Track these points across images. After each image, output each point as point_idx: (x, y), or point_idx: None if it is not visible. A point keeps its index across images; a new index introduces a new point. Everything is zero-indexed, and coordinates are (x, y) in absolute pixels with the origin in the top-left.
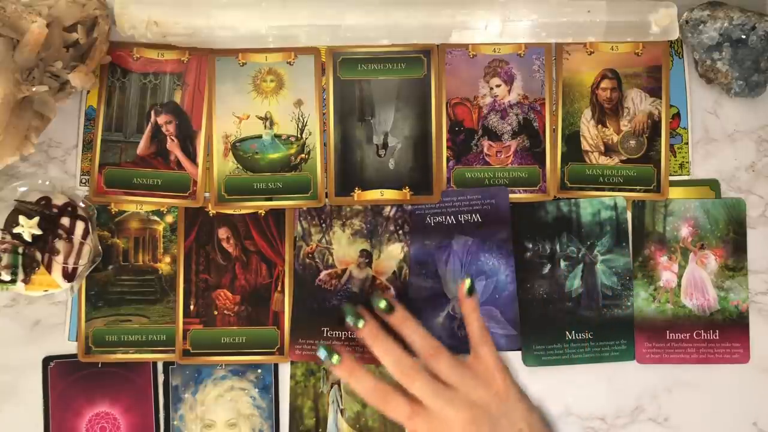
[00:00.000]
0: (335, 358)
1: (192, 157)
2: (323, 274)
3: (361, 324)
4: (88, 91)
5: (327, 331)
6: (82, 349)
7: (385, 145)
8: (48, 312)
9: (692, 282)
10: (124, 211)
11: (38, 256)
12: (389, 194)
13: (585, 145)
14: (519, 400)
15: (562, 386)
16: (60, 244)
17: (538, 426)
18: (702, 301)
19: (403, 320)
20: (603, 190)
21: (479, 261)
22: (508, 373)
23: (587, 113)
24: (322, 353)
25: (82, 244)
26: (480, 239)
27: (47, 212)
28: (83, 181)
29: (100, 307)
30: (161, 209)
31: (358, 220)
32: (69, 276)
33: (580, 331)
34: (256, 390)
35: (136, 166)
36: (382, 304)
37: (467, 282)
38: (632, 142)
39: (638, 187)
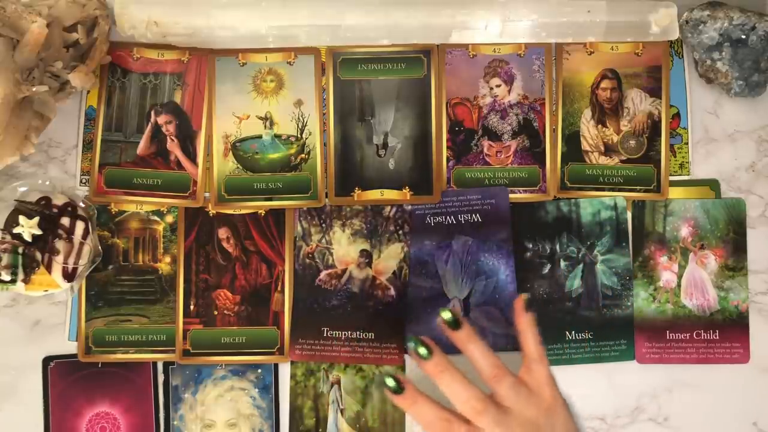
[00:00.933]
0: (423, 351)
1: (192, 157)
2: (323, 274)
3: (426, 354)
4: (88, 91)
5: (327, 331)
6: (82, 349)
7: (385, 145)
8: (48, 312)
9: (692, 282)
10: (124, 211)
11: (38, 256)
12: (389, 194)
13: (585, 145)
14: (564, 409)
15: (562, 386)
16: (60, 244)
17: None
18: (702, 301)
19: (468, 339)
20: (603, 190)
21: (479, 261)
22: (555, 385)
23: (587, 113)
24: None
25: (82, 244)
26: (480, 239)
27: (47, 212)
28: (83, 181)
29: (100, 307)
30: (161, 209)
31: (358, 220)
32: (69, 276)
33: (580, 331)
34: (256, 390)
35: (136, 166)
36: (448, 316)
37: (524, 297)
38: (632, 142)
39: (638, 187)
